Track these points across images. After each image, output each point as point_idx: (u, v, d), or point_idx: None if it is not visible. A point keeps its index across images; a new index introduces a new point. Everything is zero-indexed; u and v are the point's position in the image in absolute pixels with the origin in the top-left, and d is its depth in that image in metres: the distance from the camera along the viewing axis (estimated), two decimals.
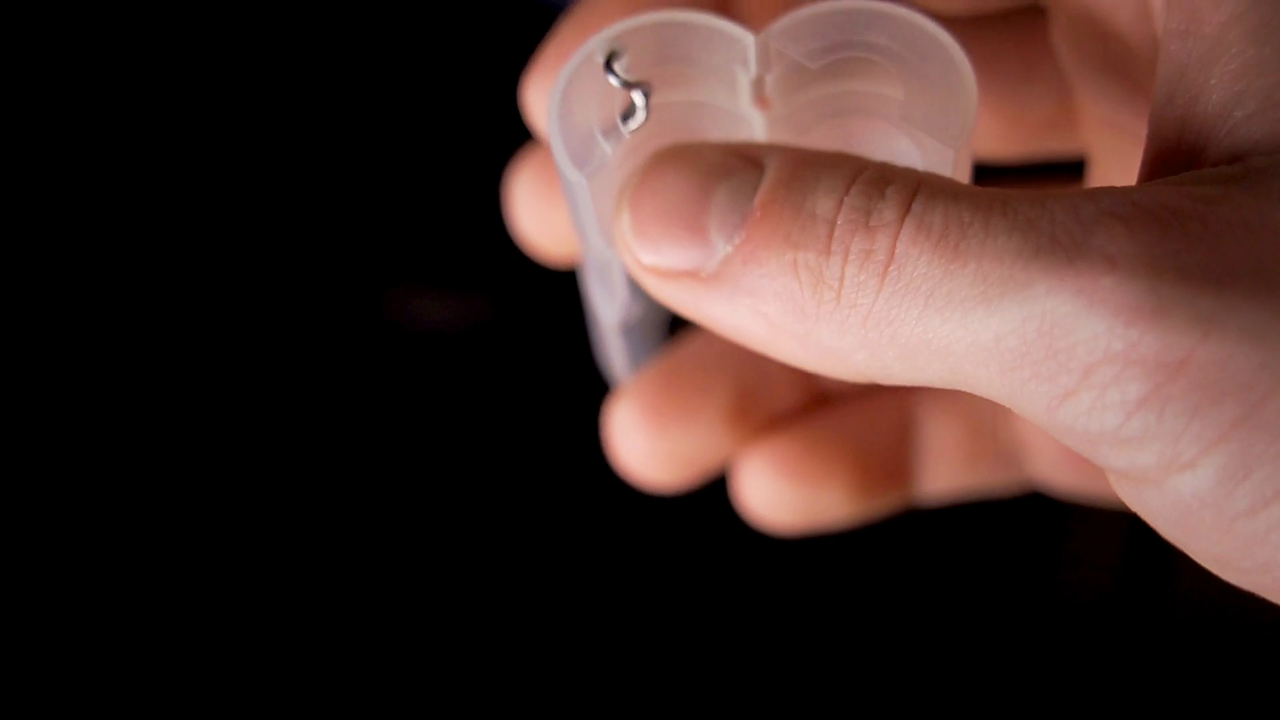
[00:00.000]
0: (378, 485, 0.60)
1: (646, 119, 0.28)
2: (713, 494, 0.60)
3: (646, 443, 0.38)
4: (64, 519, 0.58)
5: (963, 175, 0.29)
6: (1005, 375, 0.24)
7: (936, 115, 0.28)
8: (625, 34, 0.28)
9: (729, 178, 0.27)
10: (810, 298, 0.26)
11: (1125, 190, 0.24)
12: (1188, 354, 0.22)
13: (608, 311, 0.34)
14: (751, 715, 0.59)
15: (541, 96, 0.31)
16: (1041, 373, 0.24)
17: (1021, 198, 0.25)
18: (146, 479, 0.59)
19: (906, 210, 0.25)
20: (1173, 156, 0.26)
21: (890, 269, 0.25)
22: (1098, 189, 0.25)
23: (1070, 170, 0.38)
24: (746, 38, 0.28)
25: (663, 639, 0.59)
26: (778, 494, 0.39)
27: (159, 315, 0.60)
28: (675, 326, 0.39)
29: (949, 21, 0.29)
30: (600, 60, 0.28)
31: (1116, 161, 0.34)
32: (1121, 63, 0.30)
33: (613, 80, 0.28)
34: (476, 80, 0.60)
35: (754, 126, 0.30)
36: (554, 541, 0.60)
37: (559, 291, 0.31)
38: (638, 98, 0.28)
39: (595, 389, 0.55)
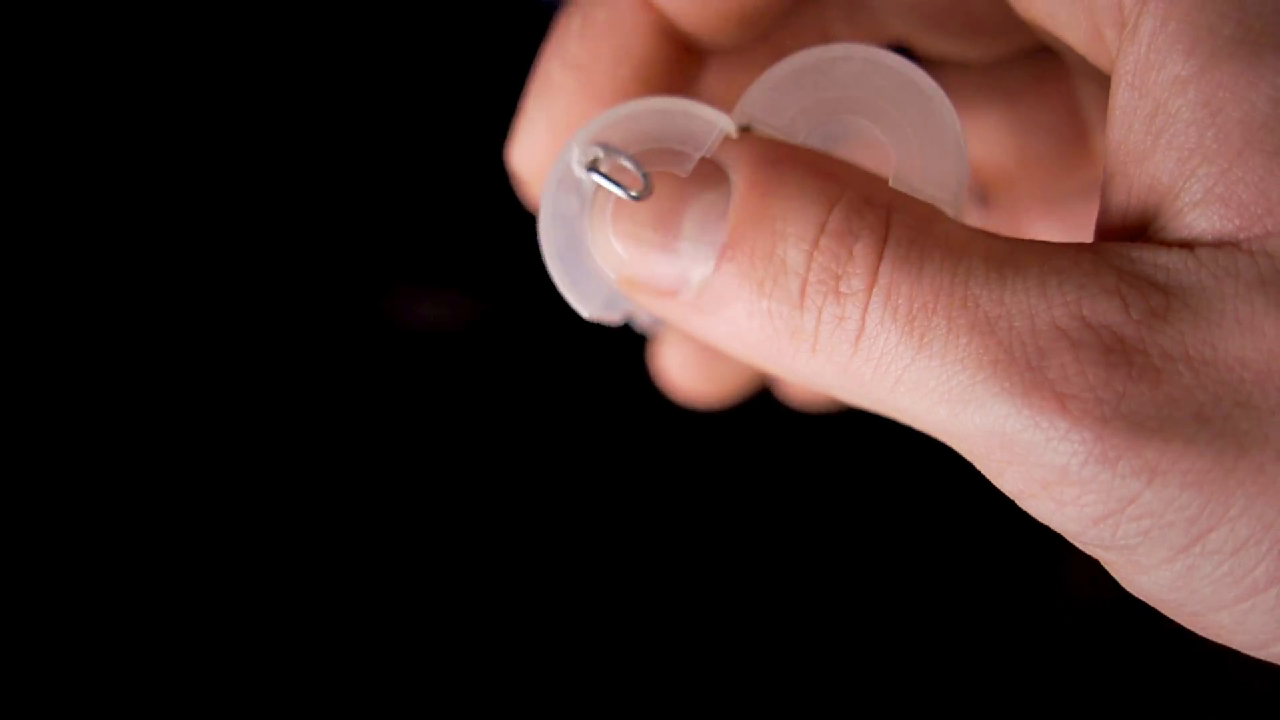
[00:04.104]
0: (378, 484, 0.60)
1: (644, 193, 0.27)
2: (719, 496, 0.60)
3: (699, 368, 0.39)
4: (65, 519, 0.58)
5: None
6: (974, 459, 0.26)
7: (931, 167, 0.27)
8: (603, 130, 0.28)
9: (699, 195, 0.27)
10: (788, 344, 0.26)
11: (1078, 289, 0.24)
12: (1136, 495, 0.24)
13: (643, 318, 0.34)
14: (757, 713, 0.60)
15: (528, 164, 0.31)
16: (1005, 472, 0.25)
17: (982, 275, 0.25)
18: (148, 478, 0.59)
19: (874, 278, 0.25)
20: (1126, 212, 0.26)
21: (861, 340, 0.26)
22: (1055, 268, 0.25)
23: None
24: (720, 120, 0.27)
25: (666, 638, 0.60)
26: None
27: (160, 315, 0.59)
28: None
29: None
30: (578, 168, 0.27)
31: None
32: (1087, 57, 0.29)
33: (607, 185, 0.27)
34: (475, 80, 0.58)
35: None
36: (554, 540, 0.60)
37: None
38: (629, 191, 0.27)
39: (594, 388, 0.55)
